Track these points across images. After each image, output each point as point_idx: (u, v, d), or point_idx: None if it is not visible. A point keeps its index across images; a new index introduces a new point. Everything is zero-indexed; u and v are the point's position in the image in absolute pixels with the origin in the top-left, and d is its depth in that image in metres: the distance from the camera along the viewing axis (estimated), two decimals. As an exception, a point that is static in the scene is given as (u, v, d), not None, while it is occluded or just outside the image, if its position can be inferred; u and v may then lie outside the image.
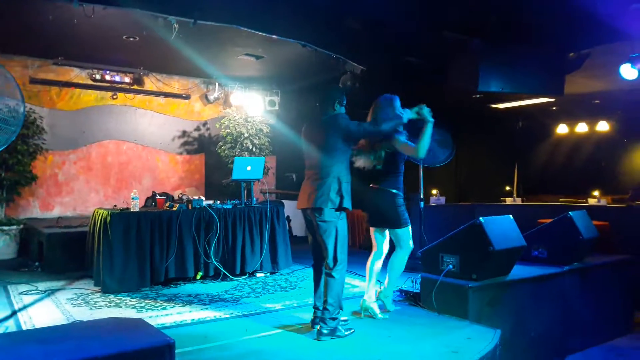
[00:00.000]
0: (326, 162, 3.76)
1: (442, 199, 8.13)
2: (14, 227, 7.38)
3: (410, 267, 6.48)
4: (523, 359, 4.09)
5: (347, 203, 3.73)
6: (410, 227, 4.15)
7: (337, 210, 3.69)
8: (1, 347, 2.36)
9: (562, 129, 10.57)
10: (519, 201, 8.51)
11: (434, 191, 8.26)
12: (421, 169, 6.78)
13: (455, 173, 10.97)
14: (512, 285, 4.17)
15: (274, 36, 6.71)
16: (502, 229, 4.20)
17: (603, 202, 7.20)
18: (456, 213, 7.90)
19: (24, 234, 7.48)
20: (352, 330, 3.74)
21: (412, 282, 4.88)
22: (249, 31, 6.49)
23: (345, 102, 3.93)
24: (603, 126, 9.98)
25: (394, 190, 4.08)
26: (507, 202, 8.38)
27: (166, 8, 5.84)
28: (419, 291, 4.44)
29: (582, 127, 10.30)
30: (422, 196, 6.83)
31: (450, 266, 4.13)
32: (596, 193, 7.72)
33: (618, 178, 9.70)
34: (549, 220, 5.04)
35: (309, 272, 6.42)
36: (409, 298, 4.63)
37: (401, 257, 4.20)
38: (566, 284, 4.56)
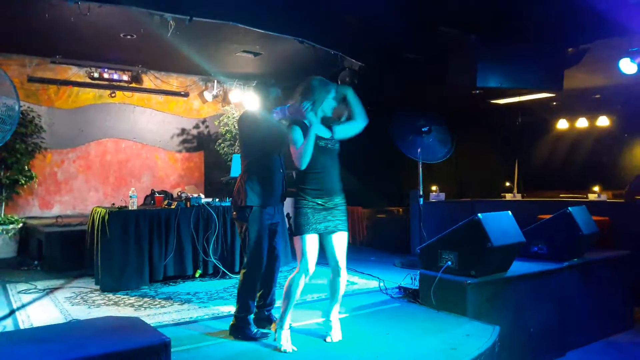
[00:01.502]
0: (242, 159, 3.76)
1: (442, 195, 8.10)
2: (14, 225, 7.38)
3: (410, 264, 6.52)
4: (522, 356, 4.07)
5: (250, 201, 3.55)
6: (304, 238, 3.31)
7: (241, 208, 3.59)
8: (-3, 346, 2.36)
9: (562, 124, 10.53)
10: (519, 197, 8.48)
11: (434, 187, 8.23)
12: (420, 165, 6.78)
13: (455, 169, 10.94)
14: (511, 281, 4.15)
15: (271, 32, 6.68)
16: (501, 225, 4.18)
17: (603, 197, 7.15)
18: (456, 209, 7.88)
19: (23, 232, 7.49)
20: (267, 334, 3.57)
21: (411, 278, 4.88)
22: (246, 28, 6.46)
23: (272, 95, 3.81)
24: (603, 121, 9.95)
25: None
26: (507, 198, 8.34)
27: (162, 5, 5.82)
28: (417, 288, 4.43)
29: (582, 123, 10.26)
30: (421, 192, 6.83)
31: (449, 262, 4.11)
32: (596, 188, 7.68)
33: (619, 173, 9.67)
34: (548, 216, 5.02)
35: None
36: (408, 295, 4.62)
37: (291, 279, 3.38)
38: (566, 280, 4.53)
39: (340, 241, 3.43)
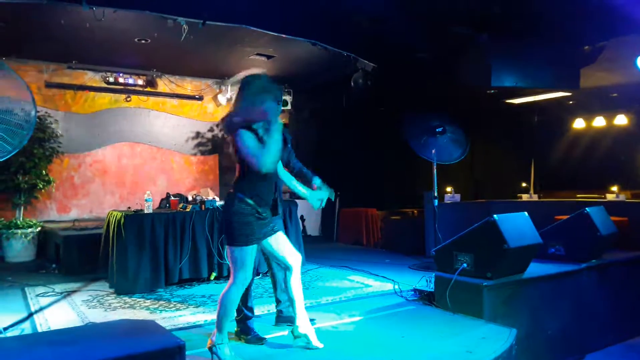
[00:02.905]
0: None
1: (457, 197, 8.03)
2: (32, 229, 7.48)
3: (425, 266, 6.47)
4: (540, 359, 4.02)
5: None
6: (247, 250, 3.11)
7: None
8: (14, 349, 2.38)
9: (579, 123, 10.38)
10: (535, 198, 8.38)
11: (449, 188, 8.17)
12: (435, 167, 6.73)
13: (470, 170, 10.85)
14: (528, 283, 4.10)
15: (284, 35, 6.70)
16: (517, 226, 4.13)
17: (622, 197, 7.04)
18: (471, 210, 7.81)
19: (41, 236, 7.59)
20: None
21: (427, 281, 4.84)
22: (259, 30, 6.50)
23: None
24: (621, 120, 9.78)
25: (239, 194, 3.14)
26: (524, 199, 8.25)
27: (175, 9, 5.87)
28: (433, 290, 4.39)
29: (599, 121, 10.09)
30: (436, 194, 6.78)
31: (465, 264, 4.07)
32: (615, 188, 7.55)
33: (637, 172, 9.51)
34: (566, 217, 4.95)
35: (323, 271, 6.43)
36: (423, 297, 4.58)
37: (228, 293, 3.25)
38: (584, 282, 4.47)
39: (281, 239, 3.31)
